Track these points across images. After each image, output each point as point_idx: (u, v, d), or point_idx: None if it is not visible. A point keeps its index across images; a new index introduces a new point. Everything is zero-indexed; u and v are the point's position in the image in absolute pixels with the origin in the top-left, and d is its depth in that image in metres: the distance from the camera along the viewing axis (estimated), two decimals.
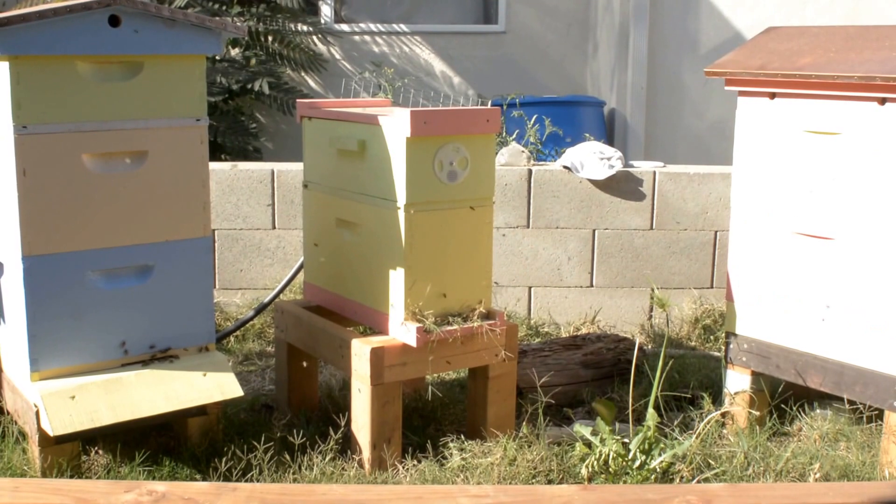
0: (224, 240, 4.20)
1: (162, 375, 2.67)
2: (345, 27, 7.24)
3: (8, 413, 2.84)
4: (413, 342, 2.71)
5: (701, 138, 6.67)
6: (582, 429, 2.71)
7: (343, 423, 2.78)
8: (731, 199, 3.15)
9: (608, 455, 2.60)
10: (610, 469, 2.60)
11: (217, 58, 6.15)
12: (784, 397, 3.15)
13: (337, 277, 3.06)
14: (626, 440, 2.65)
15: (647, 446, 2.62)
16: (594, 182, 4.19)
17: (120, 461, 2.70)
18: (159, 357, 2.72)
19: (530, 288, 4.29)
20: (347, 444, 2.84)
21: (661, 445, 2.65)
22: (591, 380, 3.46)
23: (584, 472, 2.61)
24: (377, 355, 2.73)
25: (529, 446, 2.78)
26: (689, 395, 3.32)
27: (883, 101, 2.71)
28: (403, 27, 7.27)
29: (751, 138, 3.06)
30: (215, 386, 2.71)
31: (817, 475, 2.69)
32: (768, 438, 3.02)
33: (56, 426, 2.48)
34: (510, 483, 2.63)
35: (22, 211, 2.48)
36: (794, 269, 2.97)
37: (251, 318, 3.67)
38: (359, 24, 7.27)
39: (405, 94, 6.36)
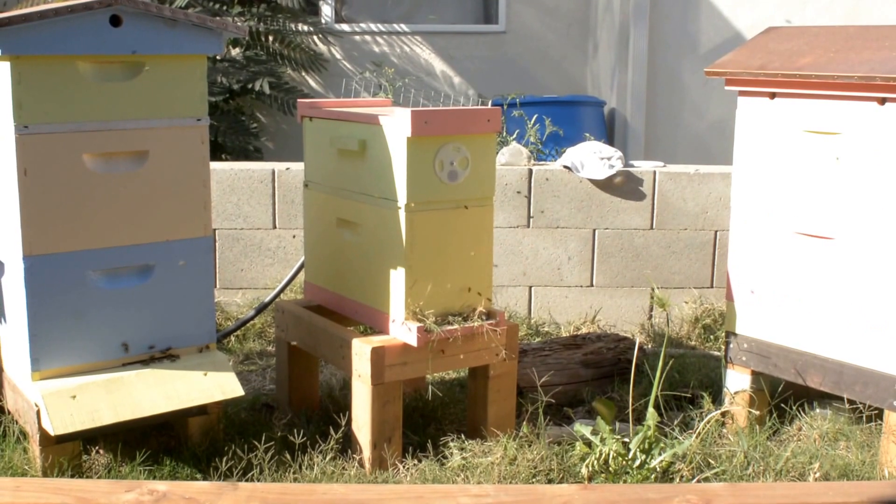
0: (225, 239, 4.21)
1: (163, 375, 2.67)
2: (345, 27, 7.24)
3: (9, 412, 2.84)
4: (414, 342, 2.71)
5: (701, 138, 6.67)
6: (582, 428, 2.71)
7: (343, 423, 2.78)
8: (731, 198, 3.15)
9: (608, 454, 2.61)
10: (610, 468, 2.61)
11: (218, 58, 6.15)
12: (784, 397, 3.15)
13: (337, 277, 3.06)
14: (627, 440, 2.65)
15: (647, 446, 2.62)
16: (594, 182, 4.20)
17: (121, 461, 2.70)
18: (160, 357, 2.73)
19: (530, 288, 4.29)
20: (348, 444, 2.84)
21: (661, 445, 2.65)
22: (591, 379, 3.46)
23: (584, 471, 2.62)
24: (378, 355, 2.73)
25: (530, 446, 2.78)
26: (689, 395, 3.32)
27: (883, 101, 2.72)
28: (404, 27, 7.27)
29: (751, 138, 3.06)
30: (216, 385, 2.71)
31: (817, 475, 2.69)
32: (768, 438, 3.03)
33: (57, 426, 2.48)
34: (510, 482, 2.64)
35: (23, 211, 2.48)
36: (794, 269, 2.98)
37: (252, 318, 3.68)
38: (359, 23, 7.28)
39: (406, 93, 6.37)
